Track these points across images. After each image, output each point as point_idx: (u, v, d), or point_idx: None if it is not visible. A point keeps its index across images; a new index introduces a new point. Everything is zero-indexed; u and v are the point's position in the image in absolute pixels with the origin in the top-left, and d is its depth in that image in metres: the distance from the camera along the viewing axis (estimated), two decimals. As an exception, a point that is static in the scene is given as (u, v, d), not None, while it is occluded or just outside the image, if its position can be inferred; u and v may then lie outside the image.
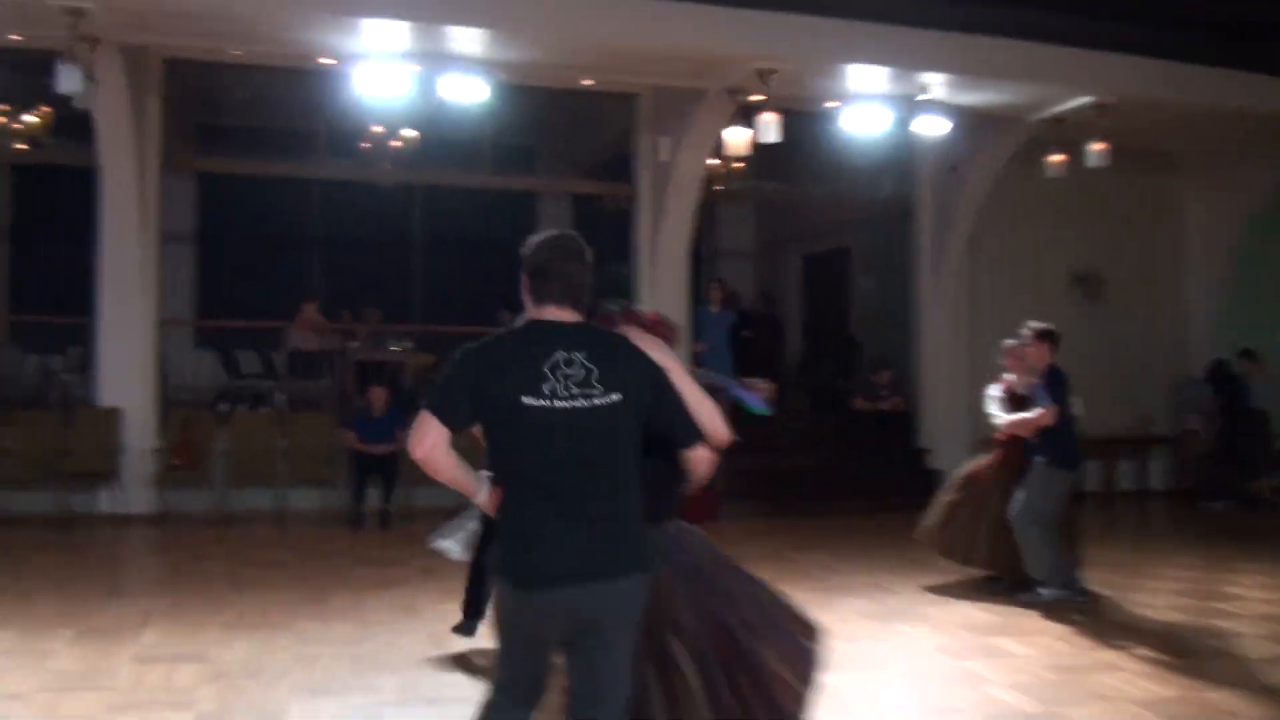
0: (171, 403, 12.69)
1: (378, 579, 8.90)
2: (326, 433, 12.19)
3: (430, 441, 3.39)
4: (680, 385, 3.64)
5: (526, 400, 3.35)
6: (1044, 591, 8.20)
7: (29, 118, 12.70)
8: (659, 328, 4.25)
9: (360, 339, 14.41)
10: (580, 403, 3.38)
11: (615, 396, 3.42)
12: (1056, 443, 8.26)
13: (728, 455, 11.45)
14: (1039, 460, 8.32)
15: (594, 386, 3.40)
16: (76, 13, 9.80)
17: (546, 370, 3.38)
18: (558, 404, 3.36)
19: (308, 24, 10.58)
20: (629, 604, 3.48)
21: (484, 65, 11.08)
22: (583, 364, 3.41)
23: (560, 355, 3.41)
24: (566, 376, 3.39)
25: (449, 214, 15.78)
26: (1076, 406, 8.58)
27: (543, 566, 3.37)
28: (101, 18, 10.07)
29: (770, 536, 11.17)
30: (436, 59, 10.94)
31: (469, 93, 11.14)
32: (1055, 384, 8.28)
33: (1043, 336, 8.45)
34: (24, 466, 11.25)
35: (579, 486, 3.40)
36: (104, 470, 11.52)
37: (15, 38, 10.64)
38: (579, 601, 3.39)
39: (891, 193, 15.07)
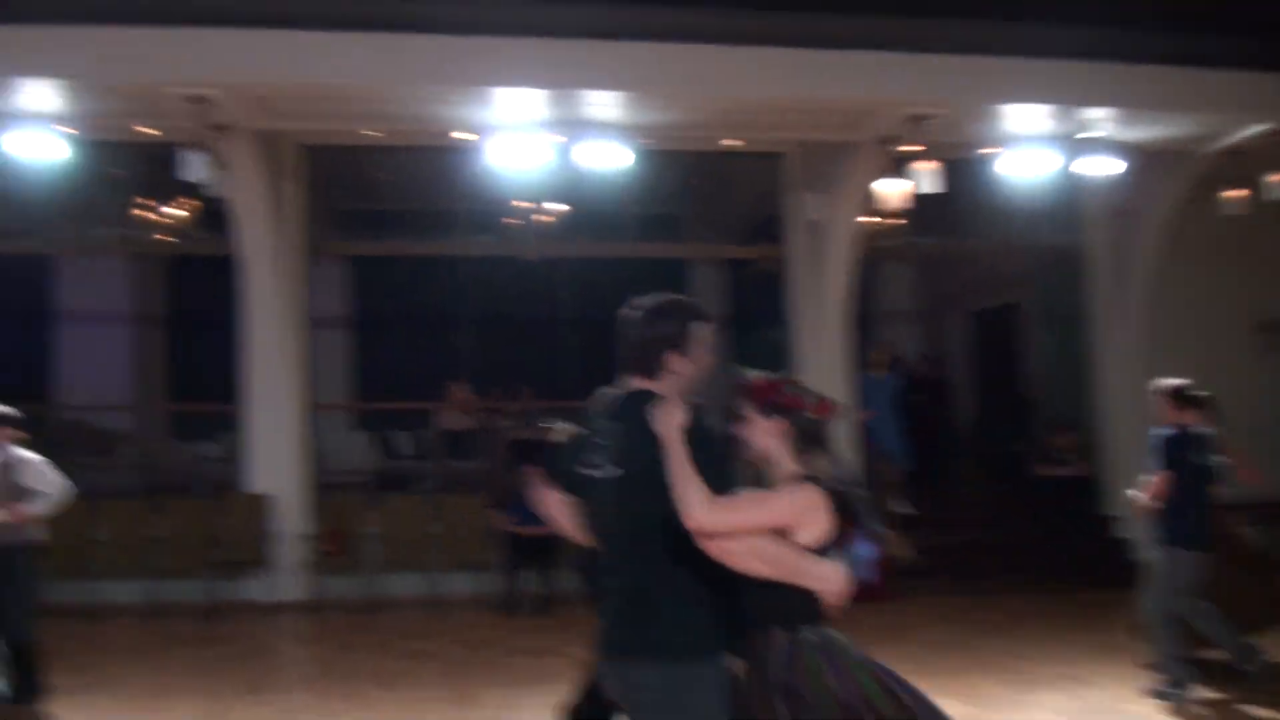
0: (327, 486, 12.54)
1: (531, 672, 8.43)
2: (480, 515, 11.85)
3: (543, 499, 3.73)
4: (669, 460, 3.30)
5: (577, 469, 3.53)
6: (1171, 691, 7.23)
7: (175, 210, 12.84)
8: (771, 395, 3.60)
9: (512, 417, 14.12)
10: (597, 474, 3.43)
11: (616, 471, 3.40)
12: (1173, 517, 7.19)
13: (904, 529, 10.64)
14: (1159, 540, 7.30)
15: (606, 460, 3.42)
16: (200, 100, 9.77)
17: (591, 441, 3.49)
18: (592, 474, 3.46)
19: (441, 98, 10.36)
20: (656, 693, 3.33)
21: (623, 130, 10.74)
22: (606, 436, 3.45)
23: (600, 425, 3.50)
24: (596, 448, 3.46)
25: (597, 286, 15.46)
26: (1228, 476, 7.41)
27: (595, 635, 3.51)
28: (229, 106, 10.04)
29: (950, 619, 10.40)
30: (574, 127, 10.63)
31: (610, 160, 10.81)
32: (1172, 447, 7.22)
33: (1167, 395, 7.39)
34: (175, 555, 11.22)
35: (609, 560, 3.46)
36: (254, 557, 11.41)
37: (147, 130, 10.68)
38: (612, 677, 3.45)
39: (1061, 241, 14.20)
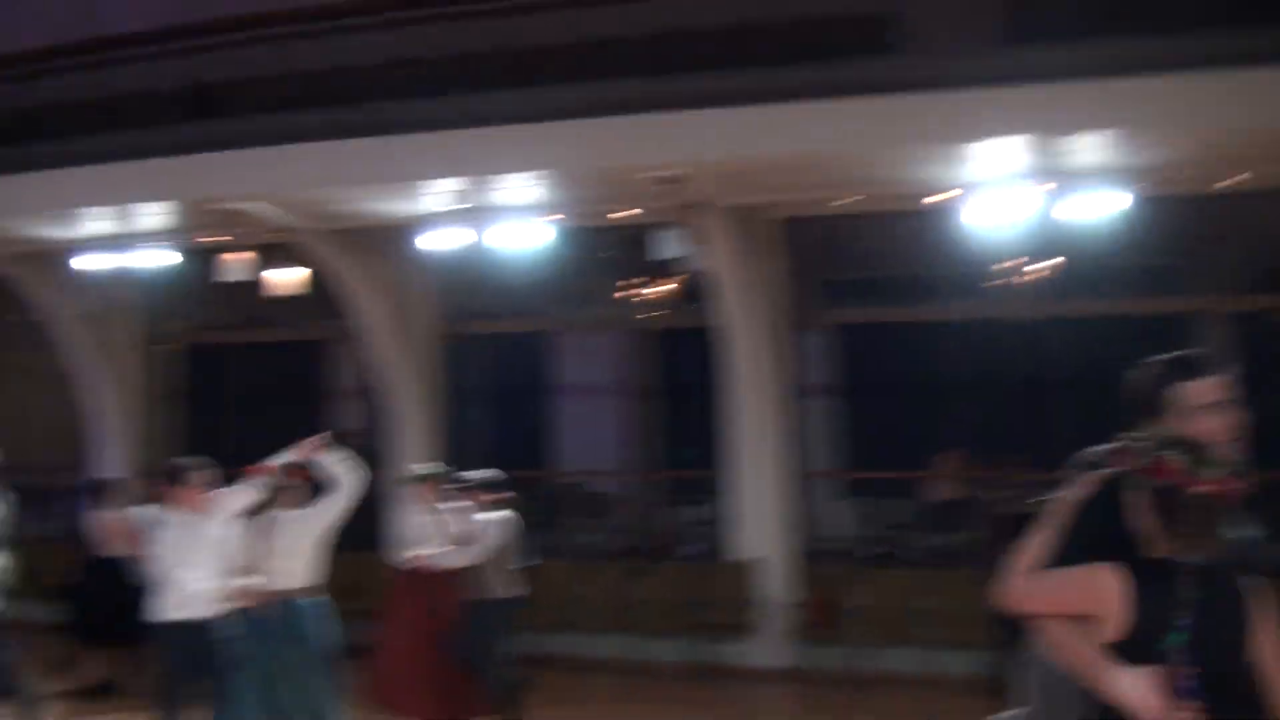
0: (813, 554, 12.40)
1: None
2: (970, 591, 11.20)
3: None
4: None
5: None
6: None
7: (660, 286, 13.28)
8: (1128, 458, 2.99)
9: (1002, 489, 13.36)
10: None
11: None
12: None
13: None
14: None
15: None
16: (672, 181, 10.00)
17: None
18: None
19: (918, 157, 10.09)
20: None
21: (1113, 175, 9.95)
22: None
23: None
24: None
25: (1092, 346, 14.47)
26: None
27: None
28: (702, 183, 10.22)
29: None
30: (1060, 175, 9.97)
31: (1100, 209, 10.03)
32: None
33: None
34: (660, 616, 11.51)
35: None
36: (740, 623, 11.42)
37: (628, 213, 11.09)
38: None
39: None
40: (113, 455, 14.15)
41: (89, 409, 14.97)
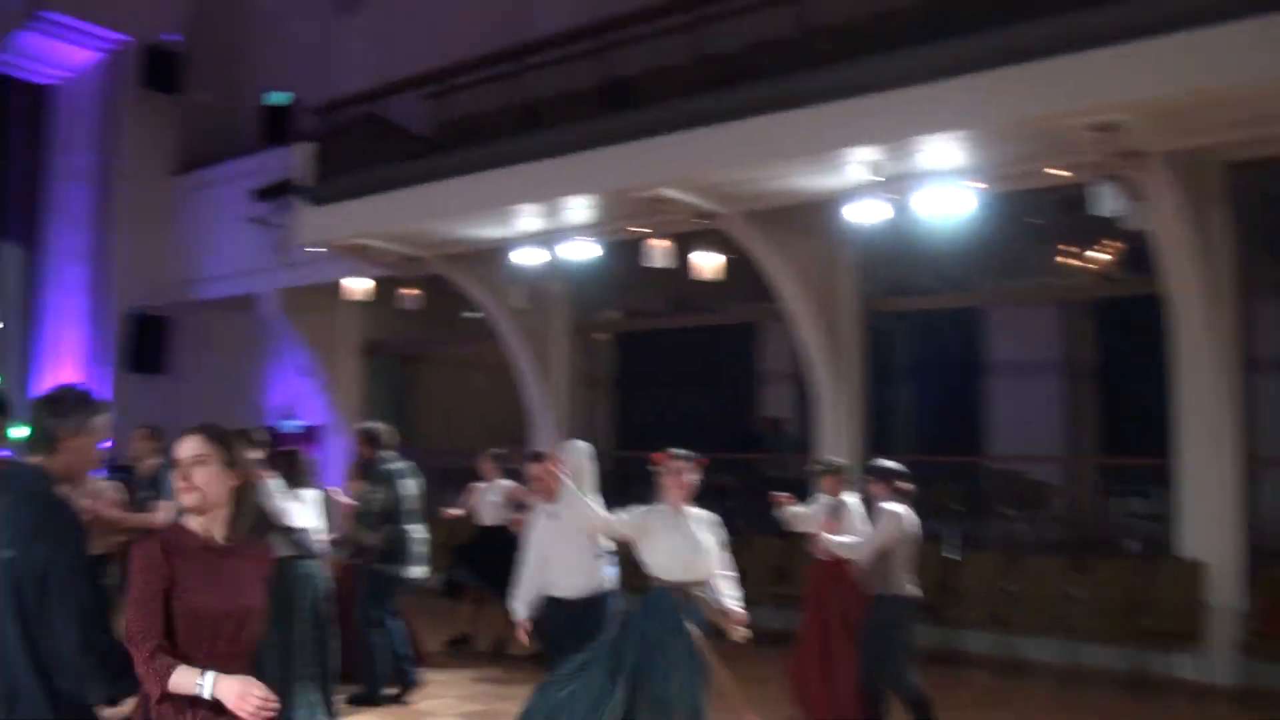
0: (1268, 555, 10.84)
1: None
2: None
3: None
4: None
5: None
6: None
7: (1096, 253, 12.21)
8: None
9: None
10: None
11: None
12: None
13: None
14: None
15: None
16: (1107, 128, 9.01)
17: None
18: None
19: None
20: None
21: None
22: None
23: None
24: None
25: None
26: None
27: None
28: (1138, 129, 9.15)
29: None
30: None
31: None
32: None
33: None
34: (1096, 617, 10.50)
35: None
36: (1184, 631, 10.19)
37: (1055, 172, 10.18)
38: None
39: None
40: (546, 440, 14.71)
41: (524, 397, 15.68)
